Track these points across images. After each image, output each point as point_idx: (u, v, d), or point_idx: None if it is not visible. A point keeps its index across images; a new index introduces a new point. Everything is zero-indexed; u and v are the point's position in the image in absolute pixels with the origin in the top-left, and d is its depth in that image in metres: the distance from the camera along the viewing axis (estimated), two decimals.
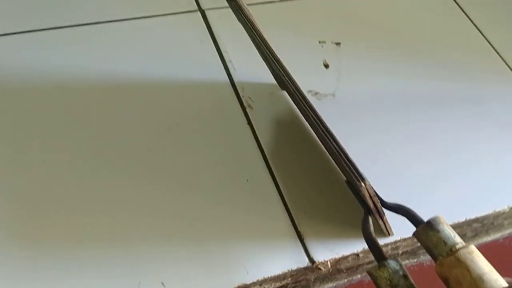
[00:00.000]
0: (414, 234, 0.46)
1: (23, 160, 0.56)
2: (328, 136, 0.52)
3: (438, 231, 0.44)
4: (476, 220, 0.60)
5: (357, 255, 0.55)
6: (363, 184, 0.48)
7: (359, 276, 0.57)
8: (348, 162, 0.50)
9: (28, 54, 0.66)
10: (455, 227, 0.59)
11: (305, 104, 0.54)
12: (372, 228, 0.51)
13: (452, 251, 0.43)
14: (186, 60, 0.69)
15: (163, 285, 0.49)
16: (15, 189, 0.53)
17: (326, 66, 0.73)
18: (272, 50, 0.56)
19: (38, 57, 0.65)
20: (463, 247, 0.43)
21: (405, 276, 0.44)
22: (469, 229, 0.61)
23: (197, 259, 0.51)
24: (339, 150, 0.51)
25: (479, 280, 0.40)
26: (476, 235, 0.64)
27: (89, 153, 0.57)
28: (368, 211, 0.52)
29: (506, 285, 0.39)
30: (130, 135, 0.60)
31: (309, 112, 0.53)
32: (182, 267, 0.51)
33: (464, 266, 0.41)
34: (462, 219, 0.59)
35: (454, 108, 0.71)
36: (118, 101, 0.63)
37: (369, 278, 0.58)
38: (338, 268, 0.55)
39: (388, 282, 0.44)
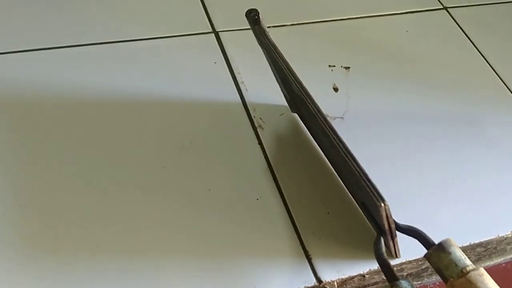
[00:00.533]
0: (425, 255, 0.48)
1: (39, 172, 0.57)
2: (349, 156, 0.53)
3: (449, 253, 0.46)
4: (479, 244, 0.61)
5: (363, 276, 0.56)
6: (382, 205, 0.49)
7: None
8: (368, 182, 0.51)
9: (44, 71, 0.68)
10: None
11: (326, 125, 0.55)
12: (384, 249, 0.51)
13: (463, 272, 0.44)
14: (200, 80, 0.71)
15: None
16: (32, 201, 0.55)
17: (336, 89, 0.74)
18: (295, 73, 0.58)
19: (55, 74, 0.68)
20: (474, 269, 0.44)
21: None
22: (473, 253, 0.62)
23: (205, 276, 0.52)
24: (359, 171, 0.52)
25: None
26: (479, 259, 0.65)
27: (106, 168, 0.59)
28: (381, 232, 0.53)
29: None
30: (145, 152, 0.61)
31: (330, 133, 0.54)
32: (191, 284, 0.52)
33: (479, 281, 0.43)
34: (466, 243, 0.60)
35: (460, 137, 0.72)
36: (133, 119, 0.65)
37: None
38: None
39: None
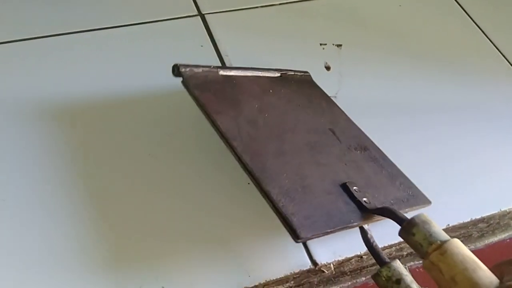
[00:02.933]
0: (399, 233, 0.46)
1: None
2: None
3: (422, 227, 0.44)
4: (481, 220, 0.59)
5: (361, 257, 0.54)
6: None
7: (363, 278, 0.57)
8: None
9: (27, 61, 0.66)
10: (460, 227, 0.58)
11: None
12: (370, 234, 0.50)
13: (437, 245, 0.42)
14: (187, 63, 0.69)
15: None
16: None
17: (328, 68, 0.72)
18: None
19: (37, 64, 0.66)
20: (448, 241, 0.42)
21: (406, 276, 0.44)
22: (475, 229, 0.60)
23: (198, 262, 0.51)
24: None
25: (452, 282, 0.39)
26: (482, 235, 0.63)
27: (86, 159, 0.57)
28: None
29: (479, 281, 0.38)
30: (132, 139, 0.59)
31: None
32: (183, 271, 0.50)
33: (437, 269, 0.40)
34: (467, 219, 0.58)
35: (457, 111, 0.71)
36: (119, 106, 0.63)
37: (373, 281, 0.58)
38: (341, 270, 0.54)
39: (389, 284, 0.44)
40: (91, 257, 0.50)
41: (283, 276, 0.51)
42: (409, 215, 0.47)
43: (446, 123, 0.68)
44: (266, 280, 0.51)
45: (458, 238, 0.59)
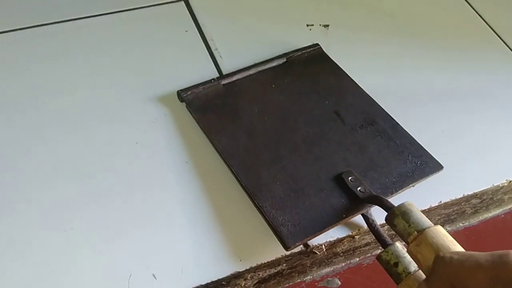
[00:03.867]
0: (385, 219, 0.47)
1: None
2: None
3: (406, 215, 0.45)
4: (474, 195, 0.59)
5: (353, 237, 0.53)
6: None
7: (357, 259, 0.56)
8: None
9: (13, 51, 0.65)
10: (453, 204, 0.58)
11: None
12: (371, 219, 0.51)
13: (407, 243, 0.43)
14: (172, 50, 0.68)
15: (154, 277, 0.48)
16: None
17: None
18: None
19: (22, 54, 0.64)
20: (430, 227, 0.43)
21: (403, 259, 0.45)
22: (468, 205, 0.60)
23: (188, 248, 0.50)
24: None
25: (428, 271, 0.40)
26: (476, 211, 0.62)
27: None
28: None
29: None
30: (118, 126, 0.59)
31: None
32: (173, 256, 0.49)
33: (416, 259, 0.41)
34: (459, 195, 0.57)
35: (447, 90, 0.70)
36: (105, 92, 0.62)
37: (367, 261, 0.57)
38: (334, 251, 0.54)
39: (389, 267, 0.45)
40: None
41: (274, 259, 0.50)
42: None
43: (435, 101, 0.67)
44: (257, 264, 0.50)
45: (451, 215, 0.60)
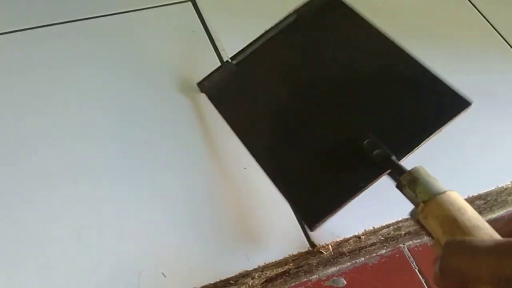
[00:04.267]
0: (396, 185, 0.45)
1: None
2: None
3: (404, 194, 0.43)
4: (478, 197, 0.59)
5: (359, 237, 0.54)
6: None
7: (362, 259, 0.57)
8: None
9: (20, 52, 0.65)
10: None
11: None
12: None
13: (432, 196, 0.41)
14: (180, 51, 0.68)
15: (164, 275, 0.49)
16: None
17: None
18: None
19: (32, 54, 0.65)
20: (420, 212, 0.40)
21: (421, 174, 0.43)
22: (472, 206, 0.60)
23: (197, 247, 0.51)
24: None
25: (438, 244, 0.37)
26: (480, 212, 0.62)
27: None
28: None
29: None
30: (127, 126, 0.59)
31: None
32: (182, 255, 0.50)
33: (427, 225, 0.39)
34: (464, 196, 0.58)
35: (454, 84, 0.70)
36: (113, 94, 0.62)
37: (372, 261, 0.58)
38: (340, 251, 0.54)
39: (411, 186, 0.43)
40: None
41: (282, 258, 0.51)
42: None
43: None
44: (265, 263, 0.51)
45: None
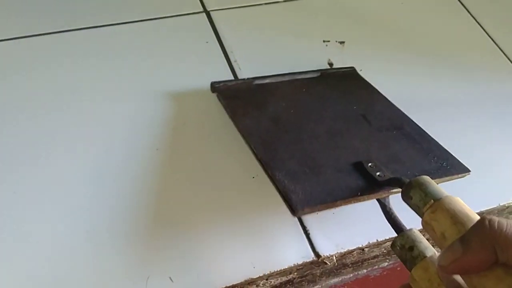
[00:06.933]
0: (401, 195, 0.46)
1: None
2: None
3: (411, 197, 0.44)
4: (480, 214, 0.60)
5: (362, 249, 0.55)
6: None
7: (364, 270, 0.58)
8: None
9: (34, 58, 0.67)
10: None
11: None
12: (388, 206, 0.50)
13: (422, 213, 0.42)
14: (192, 61, 0.70)
15: (171, 280, 0.50)
16: None
17: (331, 65, 0.73)
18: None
19: (45, 61, 0.67)
20: (428, 208, 0.41)
21: (419, 243, 0.43)
22: None
23: (202, 254, 0.52)
24: None
25: (442, 238, 0.38)
26: None
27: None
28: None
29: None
30: (137, 133, 0.61)
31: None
32: (188, 262, 0.51)
33: (430, 228, 0.39)
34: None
35: (458, 106, 0.72)
36: (125, 102, 0.64)
37: (374, 273, 0.59)
38: (343, 262, 0.56)
39: (404, 252, 0.43)
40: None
41: (287, 267, 0.52)
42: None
43: (446, 119, 0.69)
44: (270, 271, 0.52)
45: None
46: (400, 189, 0.47)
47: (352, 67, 0.72)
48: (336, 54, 0.74)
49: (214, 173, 0.58)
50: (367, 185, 0.53)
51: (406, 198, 0.45)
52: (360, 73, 0.72)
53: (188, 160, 0.59)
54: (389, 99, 0.67)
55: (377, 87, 0.69)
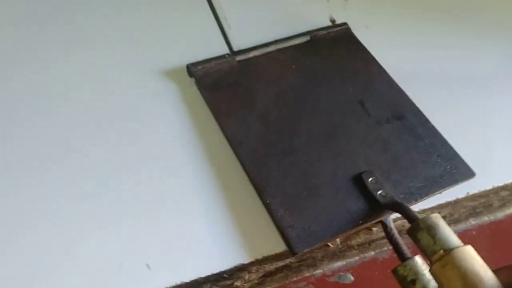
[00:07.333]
0: (407, 231, 0.42)
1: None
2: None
3: (418, 239, 0.40)
4: (504, 187, 0.54)
5: (370, 229, 0.49)
6: None
7: (372, 253, 0.52)
8: None
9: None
10: (481, 196, 0.53)
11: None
12: (390, 227, 0.47)
13: (431, 261, 0.39)
14: (180, 19, 0.63)
15: (148, 266, 0.43)
16: None
17: (333, 22, 0.66)
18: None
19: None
20: (437, 260, 0.38)
21: (422, 276, 0.41)
22: (496, 197, 0.55)
23: (194, 240, 0.46)
24: None
25: None
26: (503, 204, 0.57)
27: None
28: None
29: None
30: (113, 98, 0.54)
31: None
32: (170, 245, 0.45)
33: (439, 281, 0.37)
34: (489, 186, 0.53)
35: (469, 74, 0.65)
36: (103, 63, 0.57)
37: (383, 255, 0.53)
38: (348, 244, 0.49)
39: (405, 283, 0.42)
40: None
41: (283, 251, 0.46)
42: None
43: (464, 85, 0.62)
44: (263, 256, 0.45)
45: (478, 208, 0.55)
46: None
47: (346, 25, 0.64)
48: (339, 11, 0.67)
49: (200, 158, 0.52)
50: (368, 206, 0.48)
51: (413, 238, 0.41)
52: (365, 31, 0.64)
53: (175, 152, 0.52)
54: (392, 64, 0.60)
55: (381, 49, 0.62)
